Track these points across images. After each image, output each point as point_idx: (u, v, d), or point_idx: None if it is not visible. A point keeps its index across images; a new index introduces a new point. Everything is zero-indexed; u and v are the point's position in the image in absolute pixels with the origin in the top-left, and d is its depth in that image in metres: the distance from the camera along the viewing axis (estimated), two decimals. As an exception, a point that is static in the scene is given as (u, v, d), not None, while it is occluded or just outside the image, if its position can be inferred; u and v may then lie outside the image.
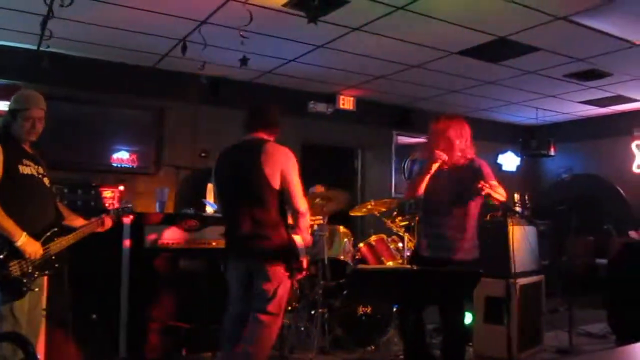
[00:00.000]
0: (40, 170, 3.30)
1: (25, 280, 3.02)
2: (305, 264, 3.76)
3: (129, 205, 3.87)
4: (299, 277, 3.87)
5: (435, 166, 3.76)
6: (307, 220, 3.80)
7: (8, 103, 5.80)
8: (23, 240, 3.03)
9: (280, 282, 3.64)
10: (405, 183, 8.85)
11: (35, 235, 3.11)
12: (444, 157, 3.73)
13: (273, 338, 3.79)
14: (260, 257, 3.62)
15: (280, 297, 3.67)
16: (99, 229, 3.56)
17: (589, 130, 9.61)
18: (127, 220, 4.38)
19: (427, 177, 3.79)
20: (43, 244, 3.15)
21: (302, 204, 3.71)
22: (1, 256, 2.96)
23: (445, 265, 3.65)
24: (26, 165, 3.21)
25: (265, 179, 3.59)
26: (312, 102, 8.15)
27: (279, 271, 3.63)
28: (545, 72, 6.92)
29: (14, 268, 2.99)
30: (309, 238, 3.82)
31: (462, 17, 5.19)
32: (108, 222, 3.62)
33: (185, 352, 4.76)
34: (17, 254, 3.02)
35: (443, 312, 3.74)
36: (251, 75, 7.26)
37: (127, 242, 4.72)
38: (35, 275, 3.11)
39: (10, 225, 3.00)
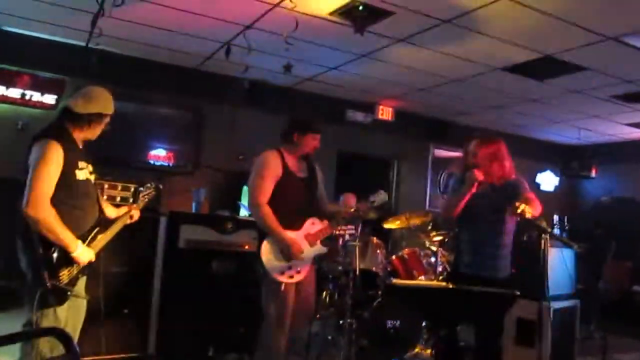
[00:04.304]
0: (90, 168, 3.23)
1: (69, 287, 2.99)
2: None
3: (149, 189, 3.73)
4: (282, 280, 3.84)
5: (474, 187, 3.75)
6: (255, 214, 3.94)
7: (55, 97, 6.11)
8: (79, 250, 2.99)
9: (262, 279, 3.87)
10: (441, 197, 8.76)
11: (81, 236, 3.06)
12: (481, 177, 3.72)
13: (269, 341, 3.85)
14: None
15: (264, 294, 3.87)
16: (129, 221, 3.50)
17: (633, 154, 9.36)
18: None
19: (467, 198, 3.77)
20: (88, 246, 3.10)
21: (249, 199, 3.96)
22: (53, 265, 2.91)
23: (485, 284, 3.60)
24: (81, 169, 3.11)
25: None
26: (350, 110, 8.14)
27: (257, 268, 3.88)
28: (591, 92, 6.78)
29: (63, 276, 2.96)
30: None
31: (508, 33, 5.12)
32: (136, 214, 3.54)
33: (212, 352, 4.80)
34: (67, 261, 2.97)
35: (478, 332, 3.68)
36: (292, 81, 7.28)
37: (162, 241, 4.79)
38: (79, 278, 3.08)
39: (67, 237, 2.94)
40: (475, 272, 3.75)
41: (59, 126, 3.15)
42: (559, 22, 4.73)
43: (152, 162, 6.87)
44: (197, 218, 5.20)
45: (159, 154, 6.93)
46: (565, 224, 7.59)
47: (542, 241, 4.06)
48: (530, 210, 3.43)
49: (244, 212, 5.75)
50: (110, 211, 3.47)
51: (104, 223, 3.30)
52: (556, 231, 7.32)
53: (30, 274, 2.96)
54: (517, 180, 3.87)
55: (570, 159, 9.40)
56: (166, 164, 6.95)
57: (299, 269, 3.88)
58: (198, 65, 6.89)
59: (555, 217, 7.53)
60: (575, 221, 9.05)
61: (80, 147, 3.22)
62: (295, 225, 3.92)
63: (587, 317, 5.98)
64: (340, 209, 4.31)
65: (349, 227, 5.27)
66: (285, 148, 4.00)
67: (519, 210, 3.38)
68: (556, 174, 10.07)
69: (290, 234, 3.85)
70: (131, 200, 3.67)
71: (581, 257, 5.68)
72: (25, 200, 2.87)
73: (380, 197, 4.05)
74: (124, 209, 3.51)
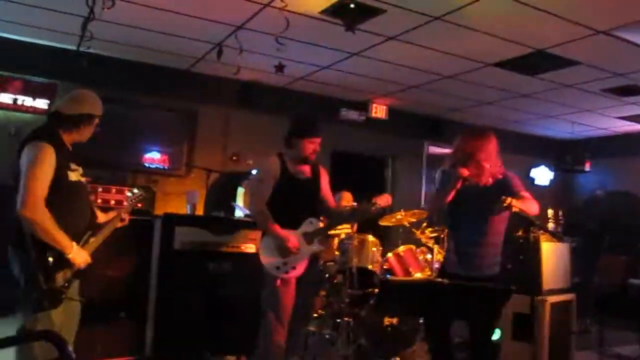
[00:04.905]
0: (81, 170, 3.21)
1: (65, 290, 2.96)
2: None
3: (137, 193, 3.64)
4: (278, 275, 3.89)
5: (459, 183, 3.68)
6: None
7: (47, 101, 6.09)
8: (75, 252, 2.97)
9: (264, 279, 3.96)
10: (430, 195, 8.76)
11: (74, 238, 3.02)
12: (466, 173, 3.65)
13: (268, 338, 3.88)
14: None
15: (263, 291, 3.95)
16: (119, 224, 3.45)
17: (626, 147, 9.39)
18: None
19: (452, 193, 3.70)
20: (82, 248, 3.07)
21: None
22: (48, 268, 2.89)
23: (475, 282, 3.57)
24: (73, 171, 3.10)
25: None
26: (344, 109, 8.14)
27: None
28: (583, 86, 6.80)
29: (59, 279, 2.93)
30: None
31: (500, 28, 5.14)
32: (126, 217, 3.50)
33: (209, 354, 4.79)
34: (62, 264, 2.94)
35: (473, 328, 3.66)
36: (284, 81, 7.28)
37: (157, 243, 4.77)
38: (73, 281, 3.05)
39: (62, 239, 2.91)
40: (465, 272, 3.67)
41: (48, 129, 3.14)
42: (550, 16, 4.74)
43: (147, 164, 6.88)
44: (192, 220, 5.18)
45: (153, 157, 6.92)
46: (561, 218, 7.60)
47: (534, 235, 4.06)
48: (517, 204, 3.41)
49: (238, 213, 5.74)
50: (100, 215, 3.46)
51: (95, 226, 3.29)
52: (552, 225, 7.33)
53: (23, 278, 2.94)
54: (508, 178, 3.74)
55: (563, 154, 9.43)
56: (161, 167, 6.94)
57: (294, 265, 3.91)
58: (190, 66, 6.88)
59: (550, 212, 7.53)
60: (570, 215, 9.07)
61: (70, 149, 3.20)
62: (294, 224, 3.98)
63: (583, 311, 5.99)
64: (341, 209, 4.36)
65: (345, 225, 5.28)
66: (286, 152, 4.10)
67: (505, 204, 3.36)
68: (550, 169, 10.09)
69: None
70: (125, 203, 3.66)
71: (576, 251, 5.69)
72: (20, 202, 2.85)
73: (384, 199, 4.08)
74: (113, 213, 3.51)
